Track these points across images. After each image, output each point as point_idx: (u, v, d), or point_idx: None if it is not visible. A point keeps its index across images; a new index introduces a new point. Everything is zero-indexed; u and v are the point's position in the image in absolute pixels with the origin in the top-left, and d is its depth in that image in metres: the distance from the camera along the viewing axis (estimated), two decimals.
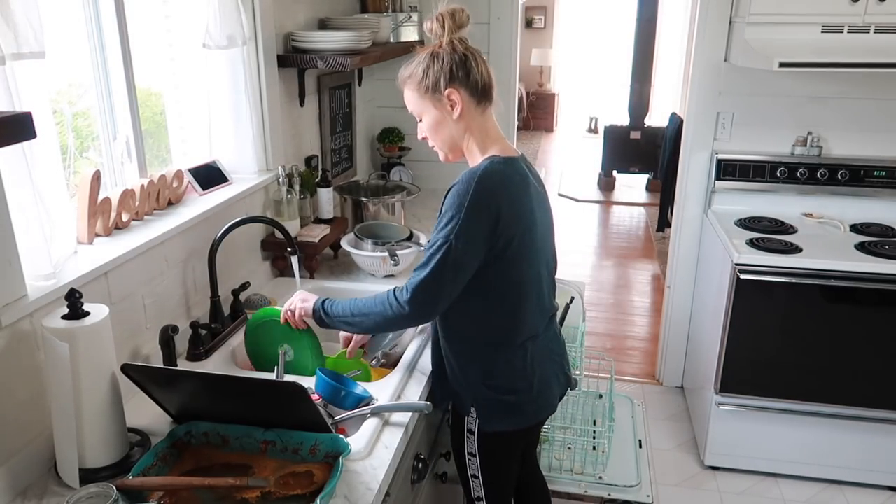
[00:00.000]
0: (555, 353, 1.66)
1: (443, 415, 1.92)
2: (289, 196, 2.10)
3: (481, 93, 1.49)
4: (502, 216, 1.41)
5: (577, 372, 2.24)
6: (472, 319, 1.53)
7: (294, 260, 1.82)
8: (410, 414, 1.47)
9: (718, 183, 2.95)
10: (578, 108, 10.74)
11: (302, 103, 2.37)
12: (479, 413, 1.58)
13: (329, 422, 1.33)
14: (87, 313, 1.20)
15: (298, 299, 1.61)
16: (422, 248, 2.20)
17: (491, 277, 1.47)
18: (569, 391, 1.76)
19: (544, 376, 1.60)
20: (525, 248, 1.47)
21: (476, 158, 1.53)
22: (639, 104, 6.94)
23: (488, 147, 1.51)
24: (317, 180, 2.33)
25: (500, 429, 1.59)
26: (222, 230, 1.71)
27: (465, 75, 1.46)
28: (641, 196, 6.96)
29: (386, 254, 2.09)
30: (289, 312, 1.61)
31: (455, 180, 1.45)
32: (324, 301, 1.58)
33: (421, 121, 1.55)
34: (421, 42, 3.05)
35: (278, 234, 2.12)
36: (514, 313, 1.52)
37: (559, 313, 2.30)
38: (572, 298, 2.34)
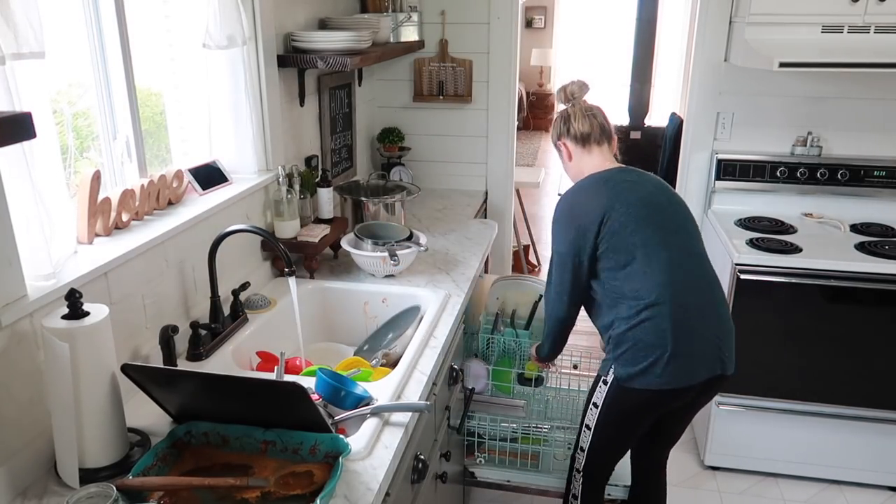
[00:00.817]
0: (711, 331, 1.80)
1: (443, 414, 1.92)
2: (289, 196, 2.10)
3: (581, 140, 1.94)
4: (581, 213, 1.83)
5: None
6: (605, 285, 1.84)
7: (291, 281, 1.69)
8: (410, 414, 1.47)
9: (718, 183, 2.95)
10: None
11: (302, 103, 2.37)
12: (616, 364, 1.80)
13: (329, 422, 1.33)
14: (87, 313, 1.19)
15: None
16: (422, 248, 2.20)
17: (605, 250, 1.80)
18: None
19: (687, 349, 1.75)
20: (624, 222, 1.77)
21: None
22: (639, 104, 6.93)
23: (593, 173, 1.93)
24: (317, 180, 2.33)
25: (630, 384, 1.78)
26: (219, 235, 1.70)
27: (567, 130, 1.96)
28: None
29: (386, 254, 2.09)
30: None
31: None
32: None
33: None
34: (421, 42, 3.06)
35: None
36: (634, 275, 1.77)
37: (528, 310, 2.42)
38: (541, 296, 2.37)
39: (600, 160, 1.94)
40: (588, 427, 1.91)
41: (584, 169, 1.94)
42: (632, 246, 1.77)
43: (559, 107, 2.03)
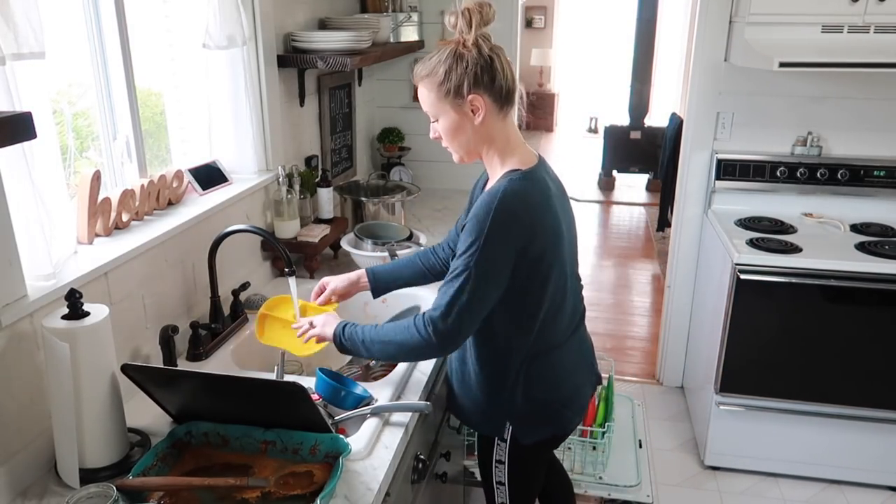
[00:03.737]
0: (585, 355, 1.67)
1: (443, 414, 1.92)
2: (289, 196, 2.10)
3: (505, 98, 1.41)
4: (525, 238, 1.36)
5: None
6: (505, 336, 1.48)
7: (291, 281, 1.69)
8: (410, 414, 1.47)
9: (718, 183, 2.95)
10: (578, 108, 10.73)
11: (302, 103, 2.37)
12: (517, 427, 1.55)
13: (329, 422, 1.33)
14: (87, 313, 1.20)
15: (321, 322, 1.54)
16: (422, 248, 2.20)
17: (524, 295, 1.43)
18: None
19: (578, 381, 1.62)
20: (553, 262, 1.43)
21: (495, 169, 1.46)
22: (639, 104, 6.94)
23: (508, 156, 1.44)
24: (317, 180, 2.33)
25: (537, 439, 1.58)
26: (219, 235, 1.70)
27: (490, 80, 1.38)
28: (641, 196, 6.96)
29: (386, 254, 2.09)
30: (306, 330, 1.56)
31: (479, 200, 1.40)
32: (345, 326, 1.49)
33: (436, 121, 1.45)
34: (421, 42, 3.05)
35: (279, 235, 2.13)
36: (548, 324, 1.49)
37: None
38: None
39: (514, 133, 1.46)
40: (501, 483, 1.66)
41: (492, 138, 1.43)
42: (555, 287, 1.46)
43: (444, 33, 1.52)
